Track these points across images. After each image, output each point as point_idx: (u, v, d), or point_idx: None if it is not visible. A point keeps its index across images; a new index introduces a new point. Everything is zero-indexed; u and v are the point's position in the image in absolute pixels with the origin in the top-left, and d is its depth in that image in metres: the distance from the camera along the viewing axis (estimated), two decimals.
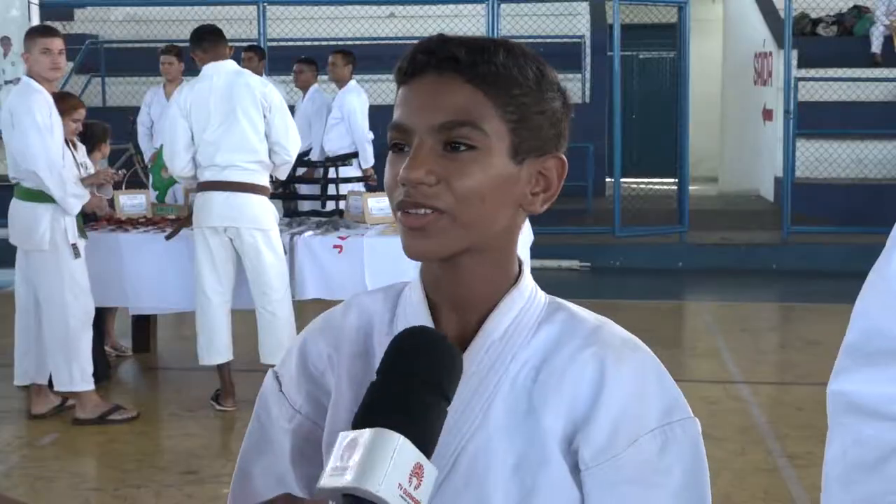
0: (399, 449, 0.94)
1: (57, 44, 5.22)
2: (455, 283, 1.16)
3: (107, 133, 6.59)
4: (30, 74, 5.24)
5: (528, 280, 1.20)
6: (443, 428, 1.09)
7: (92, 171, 5.90)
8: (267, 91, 5.44)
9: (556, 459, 1.11)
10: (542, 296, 1.20)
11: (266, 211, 5.46)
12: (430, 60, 1.12)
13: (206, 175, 5.38)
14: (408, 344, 1.03)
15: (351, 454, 0.94)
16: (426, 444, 0.97)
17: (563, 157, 1.17)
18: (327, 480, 0.95)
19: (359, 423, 0.97)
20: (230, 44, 5.69)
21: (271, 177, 5.69)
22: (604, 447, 1.10)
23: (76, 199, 5.25)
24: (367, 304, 1.24)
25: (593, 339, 1.15)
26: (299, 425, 1.23)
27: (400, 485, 0.93)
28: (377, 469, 0.93)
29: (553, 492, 1.11)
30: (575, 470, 1.11)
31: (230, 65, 5.50)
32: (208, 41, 5.48)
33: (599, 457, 1.10)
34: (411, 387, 0.99)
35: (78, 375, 5.26)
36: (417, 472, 0.95)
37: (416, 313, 1.17)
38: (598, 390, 1.12)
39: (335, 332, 1.23)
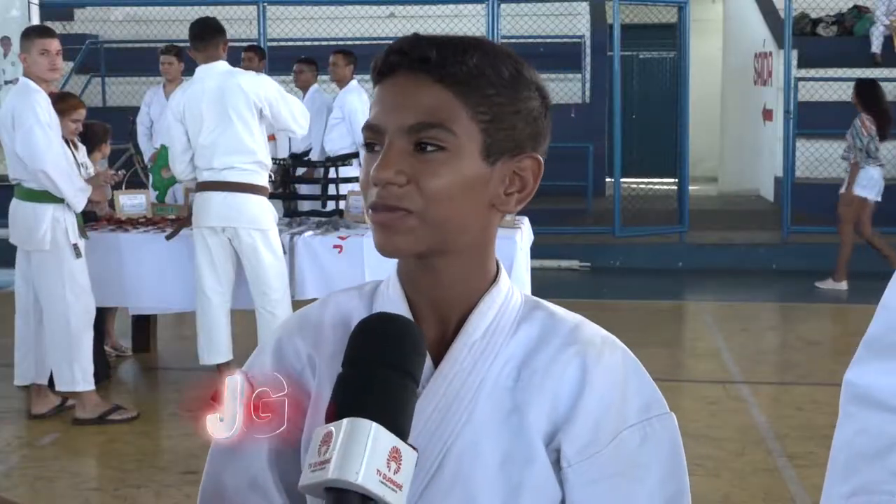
0: (373, 435, 0.94)
1: (54, 45, 5.21)
2: (433, 284, 1.16)
3: (107, 133, 6.59)
4: (27, 75, 5.23)
5: (505, 279, 1.20)
6: (428, 427, 1.11)
7: (92, 171, 5.90)
8: (260, 91, 5.37)
9: (541, 456, 1.12)
10: (518, 294, 1.21)
11: (264, 211, 5.45)
12: (401, 60, 1.12)
13: (205, 176, 5.39)
14: (369, 331, 1.03)
15: (327, 448, 0.95)
16: (400, 427, 0.97)
17: (539, 157, 1.16)
18: (307, 477, 0.95)
19: (331, 416, 0.98)
20: (230, 43, 5.66)
21: (271, 176, 5.69)
22: (587, 444, 1.12)
23: (83, 192, 5.25)
24: (344, 302, 1.23)
25: (574, 338, 1.16)
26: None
27: (378, 471, 0.93)
28: (354, 458, 0.93)
29: (538, 488, 1.12)
30: (557, 466, 1.12)
31: (222, 66, 5.44)
32: (201, 41, 5.44)
33: (582, 453, 1.11)
34: (377, 373, 0.99)
35: (80, 375, 5.26)
36: (395, 456, 0.95)
37: (396, 312, 1.16)
38: (580, 388, 1.13)
39: (313, 331, 1.22)
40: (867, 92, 8.92)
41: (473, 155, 1.11)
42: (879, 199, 8.87)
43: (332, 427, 0.96)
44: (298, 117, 5.48)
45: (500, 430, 1.12)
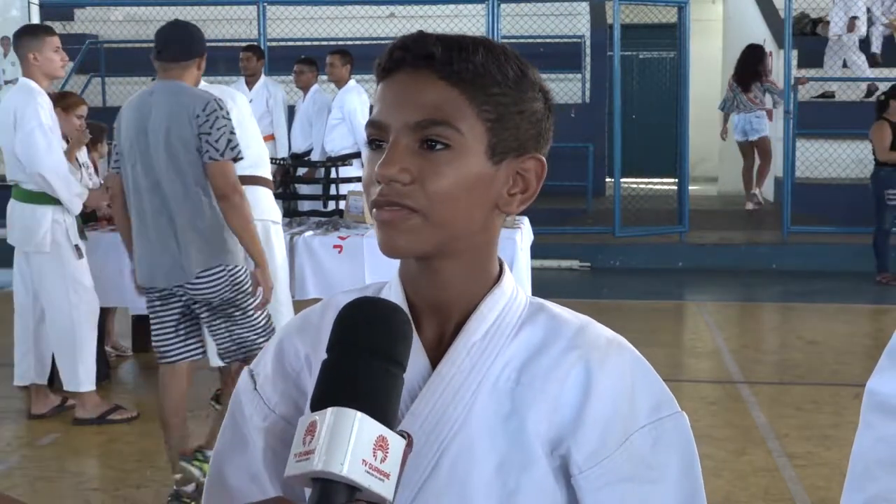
0: (357, 425, 0.92)
1: (59, 41, 5.26)
2: (433, 286, 1.15)
3: (104, 133, 6.60)
4: (28, 75, 5.20)
5: (509, 280, 1.19)
6: (425, 428, 1.09)
7: (92, 170, 5.90)
8: None
9: (540, 462, 1.10)
10: (523, 296, 1.19)
11: (275, 204, 5.48)
12: (406, 57, 1.11)
13: None
14: (352, 317, 1.01)
15: (312, 438, 0.93)
16: (386, 414, 0.95)
17: (543, 158, 1.16)
18: (292, 467, 0.94)
19: (315, 404, 0.96)
20: (230, 43, 5.69)
21: (273, 176, 5.69)
22: (596, 449, 1.10)
23: (79, 198, 5.25)
24: (345, 303, 1.22)
25: (577, 342, 1.14)
26: (273, 424, 1.21)
27: (364, 461, 0.92)
28: (338, 449, 0.91)
29: (536, 493, 1.10)
30: (559, 473, 1.11)
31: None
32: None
33: (592, 459, 1.10)
34: (361, 359, 0.97)
35: (84, 376, 5.26)
36: (381, 445, 0.93)
37: None
38: (585, 393, 1.11)
39: (313, 332, 1.22)
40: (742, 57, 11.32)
41: (479, 154, 1.10)
42: (744, 138, 11.37)
43: (316, 416, 0.94)
44: None
45: (497, 433, 1.11)
